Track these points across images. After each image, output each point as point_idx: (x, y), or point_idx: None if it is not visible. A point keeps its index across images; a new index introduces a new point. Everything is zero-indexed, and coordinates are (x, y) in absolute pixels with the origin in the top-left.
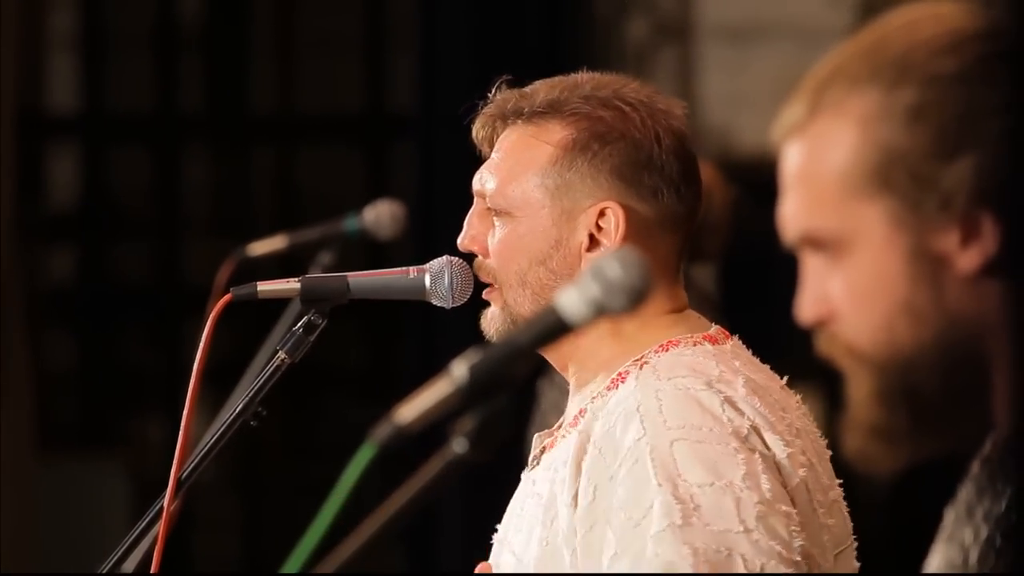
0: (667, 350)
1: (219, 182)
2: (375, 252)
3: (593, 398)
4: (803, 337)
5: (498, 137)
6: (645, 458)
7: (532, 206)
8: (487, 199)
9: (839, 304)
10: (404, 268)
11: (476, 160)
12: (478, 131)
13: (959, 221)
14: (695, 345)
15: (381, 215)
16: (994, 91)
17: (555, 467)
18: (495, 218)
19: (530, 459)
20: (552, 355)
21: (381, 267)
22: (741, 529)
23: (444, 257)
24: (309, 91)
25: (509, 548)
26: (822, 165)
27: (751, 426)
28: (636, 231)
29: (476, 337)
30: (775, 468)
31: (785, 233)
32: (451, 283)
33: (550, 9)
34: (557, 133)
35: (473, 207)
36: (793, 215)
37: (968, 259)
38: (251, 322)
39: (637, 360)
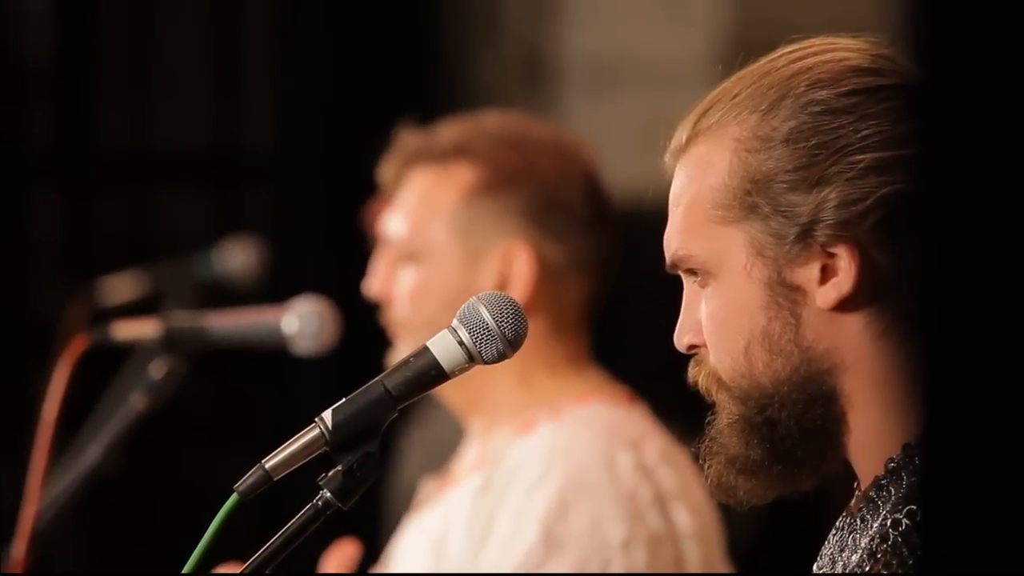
0: (586, 403)
1: (67, 221)
2: (225, 294)
3: (502, 442)
4: (656, 379)
5: (405, 180)
6: (536, 497)
7: (440, 250)
8: (395, 243)
9: (706, 331)
10: (265, 311)
11: (332, 200)
12: (386, 174)
13: (819, 256)
14: (612, 403)
15: (233, 256)
16: (865, 125)
17: (453, 506)
18: (404, 263)
19: (417, 502)
20: (455, 399)
21: (232, 309)
22: None
23: (306, 299)
24: (161, 130)
25: None
26: (697, 188)
27: (656, 495)
28: (545, 274)
29: (334, 381)
30: (667, 543)
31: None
32: (320, 327)
33: (407, 50)
34: (463, 175)
35: (381, 253)
36: (668, 239)
37: (824, 295)
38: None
39: (550, 408)
